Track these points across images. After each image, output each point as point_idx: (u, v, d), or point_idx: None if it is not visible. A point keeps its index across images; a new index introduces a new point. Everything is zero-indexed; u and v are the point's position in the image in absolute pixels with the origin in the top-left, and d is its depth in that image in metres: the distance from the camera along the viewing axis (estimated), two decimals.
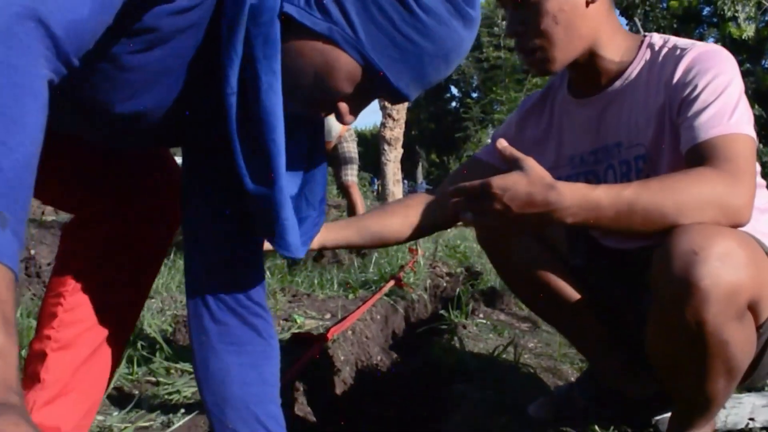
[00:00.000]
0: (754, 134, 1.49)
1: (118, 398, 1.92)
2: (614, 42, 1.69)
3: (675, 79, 1.58)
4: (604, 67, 1.70)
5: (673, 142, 1.57)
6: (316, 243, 1.68)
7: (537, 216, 1.33)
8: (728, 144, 1.44)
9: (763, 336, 1.50)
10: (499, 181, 1.33)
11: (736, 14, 16.39)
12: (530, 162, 1.35)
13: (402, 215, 1.88)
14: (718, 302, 1.30)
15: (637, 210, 1.35)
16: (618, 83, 1.70)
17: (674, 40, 1.68)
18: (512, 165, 1.36)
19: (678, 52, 1.62)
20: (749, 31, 17.00)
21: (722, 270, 1.29)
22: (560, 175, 1.82)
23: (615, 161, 1.73)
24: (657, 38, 1.71)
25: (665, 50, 1.66)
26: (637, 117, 1.67)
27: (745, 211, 1.39)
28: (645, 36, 1.73)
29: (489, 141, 2.18)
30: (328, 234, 1.75)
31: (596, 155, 1.77)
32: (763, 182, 1.74)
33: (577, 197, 1.34)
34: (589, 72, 1.72)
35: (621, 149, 1.71)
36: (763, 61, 34.89)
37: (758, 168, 1.72)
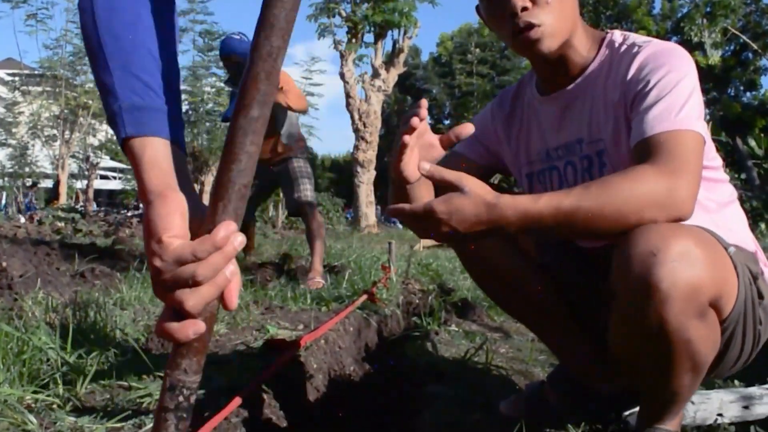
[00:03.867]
0: (702, 130, 1.51)
1: (90, 402, 1.91)
2: (583, 35, 1.73)
3: (630, 75, 1.61)
4: (572, 60, 1.73)
5: (629, 137, 1.59)
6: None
7: (484, 232, 1.38)
8: (673, 140, 1.46)
9: (728, 330, 1.52)
10: (442, 207, 1.36)
11: (703, 40, 16.73)
12: (469, 182, 1.38)
13: None
14: (679, 302, 1.32)
15: (578, 219, 1.37)
16: (580, 79, 1.73)
17: (633, 37, 1.72)
18: (451, 187, 1.39)
19: (635, 48, 1.66)
20: (715, 58, 17.37)
21: (680, 270, 1.31)
22: (534, 170, 1.86)
23: (576, 157, 1.76)
24: (618, 35, 1.74)
25: (624, 47, 1.69)
26: (597, 113, 1.70)
27: (685, 207, 1.40)
28: (607, 33, 1.76)
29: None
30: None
31: (558, 151, 1.80)
32: (724, 177, 1.77)
33: (519, 213, 1.37)
34: (557, 66, 1.74)
35: (582, 145, 1.74)
36: (729, 89, 35.57)
37: (720, 163, 1.76)
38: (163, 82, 1.17)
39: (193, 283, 0.97)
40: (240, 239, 0.99)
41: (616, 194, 1.38)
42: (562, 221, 1.37)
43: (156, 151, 1.11)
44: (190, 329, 0.99)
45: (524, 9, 1.63)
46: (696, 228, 1.41)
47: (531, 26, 1.64)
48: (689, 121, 1.49)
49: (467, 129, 1.51)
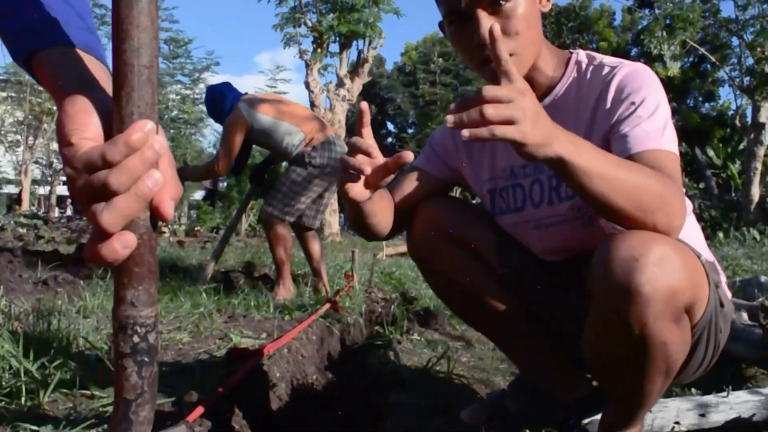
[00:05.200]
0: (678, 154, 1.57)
1: (53, 411, 1.90)
2: (548, 55, 1.74)
3: (608, 99, 1.63)
4: (537, 81, 1.73)
5: None
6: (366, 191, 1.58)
7: (542, 132, 1.28)
8: (664, 158, 1.50)
9: (695, 336, 1.56)
10: (522, 83, 1.30)
11: (663, 52, 17.00)
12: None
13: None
14: (659, 306, 1.35)
15: (608, 164, 1.36)
16: (548, 99, 1.75)
17: (600, 57, 1.74)
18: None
19: (606, 70, 1.68)
20: (674, 69, 17.65)
21: (660, 275, 1.34)
22: (497, 187, 1.87)
23: (543, 176, 1.78)
24: (583, 55, 1.76)
25: (592, 68, 1.71)
26: None
27: (679, 221, 1.44)
28: (571, 53, 1.78)
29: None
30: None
31: (526, 169, 1.81)
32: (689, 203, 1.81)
33: (568, 133, 1.35)
34: None
35: None
36: (688, 100, 36.13)
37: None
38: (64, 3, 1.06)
39: (108, 193, 0.82)
40: (162, 141, 0.85)
41: (652, 181, 1.40)
42: (599, 156, 1.36)
43: (64, 57, 1.00)
44: (116, 244, 0.84)
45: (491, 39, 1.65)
46: (671, 237, 1.44)
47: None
48: (672, 145, 1.54)
49: (406, 157, 1.48)
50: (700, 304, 1.50)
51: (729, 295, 1.78)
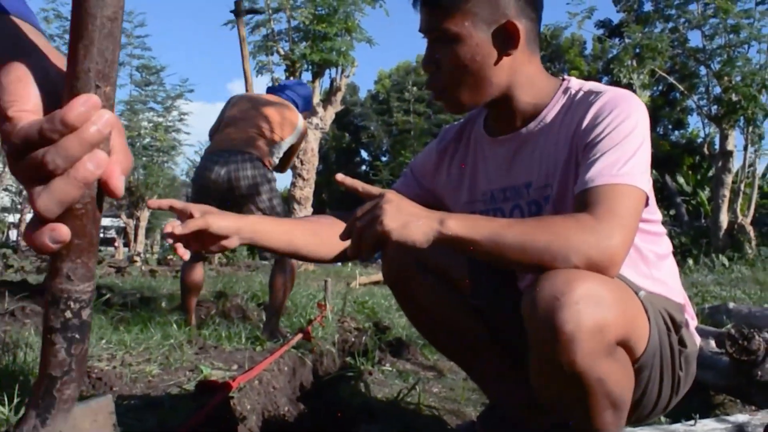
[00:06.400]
0: (645, 185, 1.53)
1: None
2: (533, 85, 1.74)
3: (584, 124, 1.63)
4: (519, 109, 1.75)
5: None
6: (233, 226, 1.60)
7: (420, 228, 1.40)
8: (613, 194, 1.48)
9: (644, 371, 1.57)
10: (392, 194, 1.43)
11: (632, 81, 17.23)
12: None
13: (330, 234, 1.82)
14: (585, 343, 1.35)
15: (508, 241, 1.39)
16: (533, 125, 1.75)
17: (590, 85, 1.74)
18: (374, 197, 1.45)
19: (591, 97, 1.68)
20: (644, 98, 17.90)
21: (584, 311, 1.34)
22: (475, 210, 1.88)
23: (523, 201, 1.78)
24: (574, 82, 1.77)
25: (580, 94, 1.71)
26: (547, 159, 1.71)
27: (610, 263, 1.42)
28: (564, 79, 1.79)
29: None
30: (248, 222, 1.65)
31: (505, 193, 1.82)
32: (663, 230, 1.83)
33: (458, 215, 1.44)
34: (504, 112, 1.77)
35: (530, 190, 1.75)
36: (658, 128, 36.57)
37: (659, 217, 1.82)
38: None
39: (46, 174, 0.74)
40: (107, 117, 0.76)
41: (549, 231, 1.41)
42: (494, 237, 1.39)
43: None
44: (45, 237, 0.77)
45: (430, 71, 1.69)
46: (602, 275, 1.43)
47: (436, 90, 1.70)
48: (632, 177, 1.51)
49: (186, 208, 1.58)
50: (639, 339, 1.50)
51: (697, 338, 1.79)
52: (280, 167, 4.77)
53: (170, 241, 1.54)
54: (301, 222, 1.85)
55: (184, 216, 1.57)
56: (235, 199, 4.29)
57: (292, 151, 4.71)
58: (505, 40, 1.66)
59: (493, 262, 1.45)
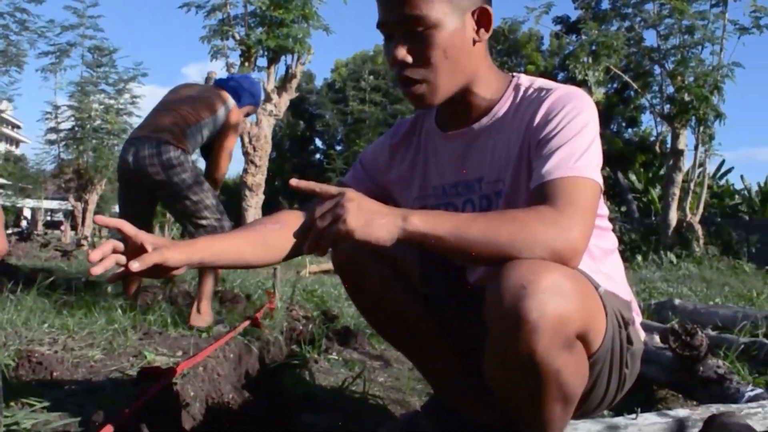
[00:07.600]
0: (598, 178, 1.56)
1: None
2: (488, 80, 1.75)
3: (536, 120, 1.64)
4: (474, 104, 1.75)
5: (529, 180, 1.62)
6: (185, 258, 1.53)
7: (383, 227, 1.40)
8: (570, 186, 1.50)
9: (596, 366, 1.58)
10: (352, 193, 1.42)
11: (587, 78, 17.43)
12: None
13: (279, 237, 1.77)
14: (547, 333, 1.35)
15: (472, 235, 1.41)
16: (485, 120, 1.76)
17: (540, 81, 1.75)
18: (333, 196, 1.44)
19: (542, 93, 1.69)
20: (598, 95, 18.11)
21: (549, 302, 1.34)
22: (426, 205, 1.87)
23: (475, 196, 1.78)
24: (524, 79, 1.78)
25: (530, 91, 1.72)
26: (499, 154, 1.72)
27: (575, 251, 1.45)
28: (513, 76, 1.79)
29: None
30: (197, 249, 1.58)
31: (457, 188, 1.82)
32: (609, 225, 1.85)
33: (420, 211, 1.44)
34: (459, 107, 1.77)
35: (482, 184, 1.76)
36: (612, 126, 37.09)
37: (606, 212, 1.84)
38: None
39: None
40: None
41: (512, 224, 1.42)
42: (458, 232, 1.40)
43: None
44: None
45: (405, 64, 1.65)
46: (567, 267, 1.44)
47: (412, 82, 1.66)
48: (588, 170, 1.54)
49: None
50: (596, 334, 1.52)
51: (642, 335, 1.82)
52: (213, 167, 4.43)
53: (99, 270, 1.43)
54: (250, 233, 1.77)
55: (132, 242, 1.50)
56: (156, 188, 4.11)
57: (221, 146, 4.38)
58: (477, 25, 1.67)
59: (457, 257, 1.45)
